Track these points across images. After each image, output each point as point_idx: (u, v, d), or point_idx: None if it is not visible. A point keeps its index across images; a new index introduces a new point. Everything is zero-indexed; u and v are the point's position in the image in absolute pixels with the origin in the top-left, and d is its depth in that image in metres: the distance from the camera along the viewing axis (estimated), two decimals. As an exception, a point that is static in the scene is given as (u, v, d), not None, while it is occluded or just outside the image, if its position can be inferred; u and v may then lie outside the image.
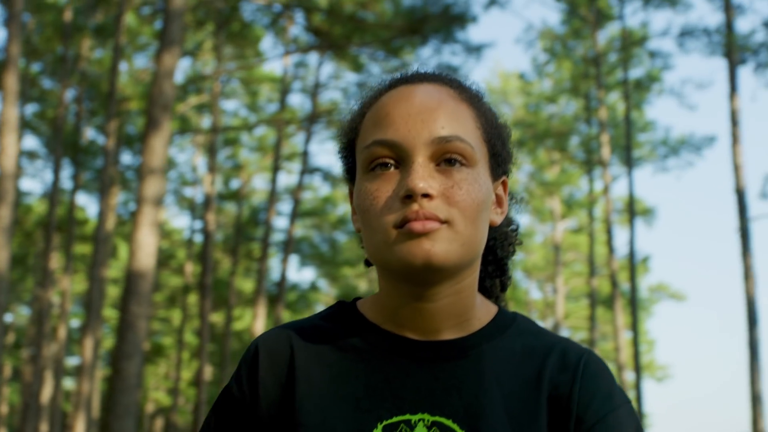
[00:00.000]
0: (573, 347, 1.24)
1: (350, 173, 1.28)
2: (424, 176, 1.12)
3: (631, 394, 25.55)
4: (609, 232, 26.24)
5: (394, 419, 1.14)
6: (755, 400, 19.98)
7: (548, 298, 39.32)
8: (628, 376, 26.27)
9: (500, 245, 1.40)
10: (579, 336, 35.60)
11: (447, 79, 1.24)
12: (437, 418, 1.15)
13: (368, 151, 1.16)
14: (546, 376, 1.19)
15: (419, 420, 1.14)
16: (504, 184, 1.27)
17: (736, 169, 21.77)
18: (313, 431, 1.13)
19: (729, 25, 23.95)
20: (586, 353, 1.24)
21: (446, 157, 1.14)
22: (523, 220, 1.47)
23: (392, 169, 1.15)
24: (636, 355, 23.58)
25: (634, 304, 24.34)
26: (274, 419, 1.18)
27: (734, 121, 22.26)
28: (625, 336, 26.11)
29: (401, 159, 1.14)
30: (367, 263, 1.36)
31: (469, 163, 1.16)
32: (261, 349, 1.22)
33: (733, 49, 23.63)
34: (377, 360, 1.19)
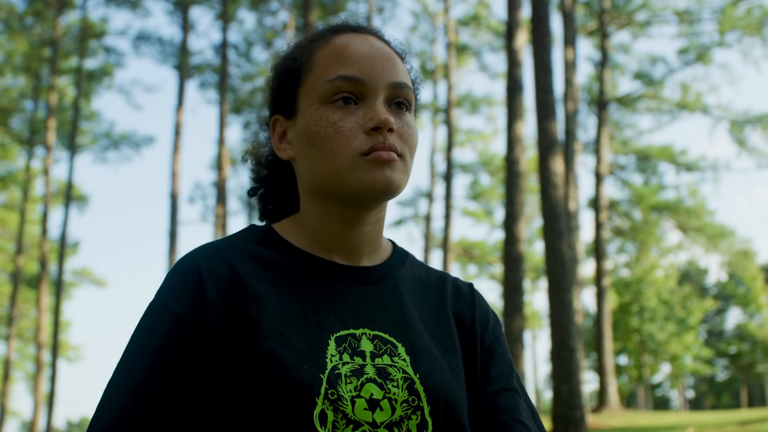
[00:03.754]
0: (458, 279, 1.45)
1: (281, 104, 1.34)
2: (388, 113, 1.24)
3: (47, 373, 25.86)
4: (45, 214, 26.41)
5: (342, 332, 1.22)
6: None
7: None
8: (46, 357, 26.42)
9: None
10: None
11: (383, 36, 1.35)
12: (376, 332, 1.25)
13: (332, 84, 1.24)
14: (448, 303, 1.38)
15: (362, 334, 1.24)
16: None
17: (174, 175, 23.44)
18: (275, 343, 1.17)
19: (184, 42, 25.50)
20: (471, 285, 1.45)
21: (397, 101, 1.28)
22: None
23: (353, 104, 1.24)
24: (55, 336, 24.02)
25: (59, 287, 24.75)
26: (223, 337, 1.18)
27: (177, 132, 23.87)
28: (46, 317, 26.35)
29: (362, 96, 1.25)
30: (251, 193, 1.47)
31: (410, 109, 1.30)
32: (202, 267, 1.22)
33: (185, 65, 25.32)
34: (313, 282, 1.27)
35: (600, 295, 24.11)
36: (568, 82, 21.66)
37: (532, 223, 31.22)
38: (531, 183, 26.94)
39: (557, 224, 12.58)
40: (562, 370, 12.39)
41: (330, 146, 1.23)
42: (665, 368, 44.80)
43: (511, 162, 14.60)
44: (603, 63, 26.52)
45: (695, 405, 62.54)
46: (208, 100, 30.74)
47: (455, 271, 35.26)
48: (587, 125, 28.65)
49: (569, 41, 21.88)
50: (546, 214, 12.68)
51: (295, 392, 1.14)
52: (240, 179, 30.76)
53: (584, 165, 31.25)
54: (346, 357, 1.20)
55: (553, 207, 12.51)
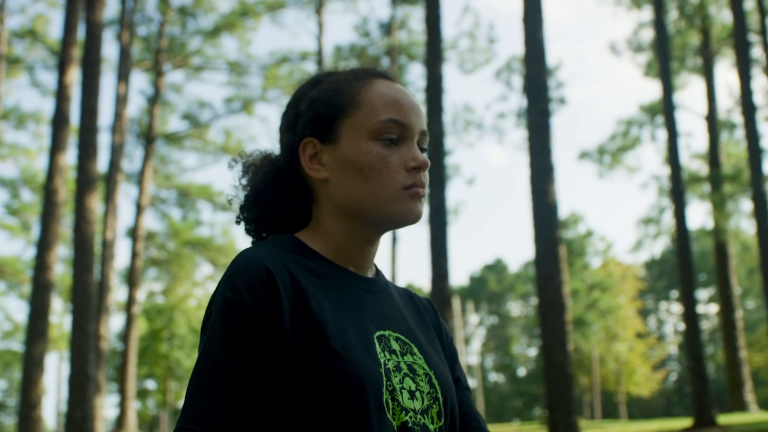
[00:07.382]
0: (417, 294, 1.64)
1: (318, 129, 1.45)
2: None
3: None
4: None
5: (378, 333, 1.38)
6: None
7: None
8: None
9: None
10: None
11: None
12: (396, 334, 1.41)
13: (382, 124, 1.41)
14: (423, 313, 1.58)
15: (389, 335, 1.39)
16: None
17: None
18: (342, 341, 1.30)
19: None
20: (430, 299, 1.66)
21: (422, 146, 1.47)
22: None
23: (394, 144, 1.42)
24: None
25: None
26: (295, 334, 1.28)
27: None
28: None
29: (402, 138, 1.43)
30: (257, 202, 1.52)
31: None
32: (272, 268, 1.32)
33: None
34: (342, 287, 1.41)
35: (129, 322, 24.52)
36: (118, 115, 22.15)
37: (69, 246, 31.02)
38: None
39: (87, 258, 13.25)
40: (77, 396, 13.06)
41: (378, 177, 1.40)
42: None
43: (49, 192, 14.86)
44: (155, 99, 27.39)
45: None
46: None
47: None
48: (134, 156, 29.06)
49: (123, 76, 22.46)
50: (77, 248, 13.32)
51: (369, 383, 1.29)
52: None
53: (126, 195, 31.84)
54: (387, 354, 1.36)
55: (84, 242, 13.22)
